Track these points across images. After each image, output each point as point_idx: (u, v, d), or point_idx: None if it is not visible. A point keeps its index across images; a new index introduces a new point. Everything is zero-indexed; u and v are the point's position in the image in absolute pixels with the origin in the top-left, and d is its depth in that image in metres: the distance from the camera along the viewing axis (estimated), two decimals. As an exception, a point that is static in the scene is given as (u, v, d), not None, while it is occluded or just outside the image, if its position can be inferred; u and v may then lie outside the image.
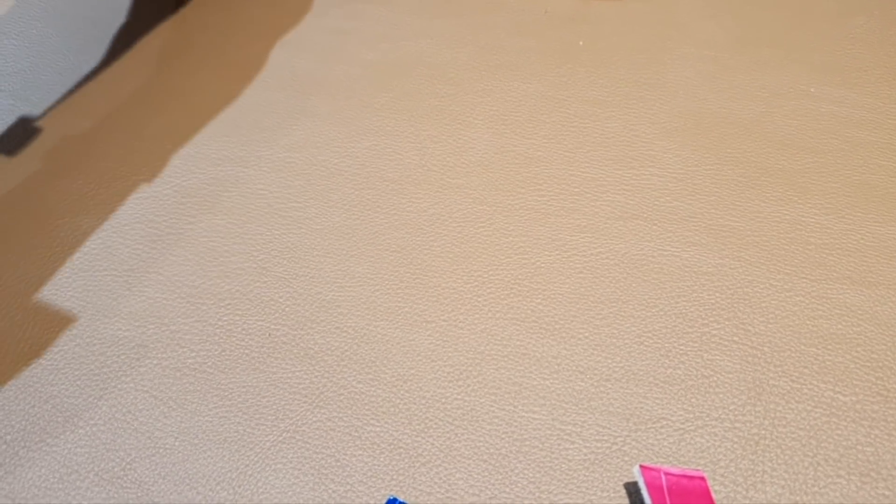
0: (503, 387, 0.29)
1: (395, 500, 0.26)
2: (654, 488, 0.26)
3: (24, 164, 0.35)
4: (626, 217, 0.35)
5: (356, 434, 0.28)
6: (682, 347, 0.30)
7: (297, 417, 0.29)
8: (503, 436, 0.28)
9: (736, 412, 0.28)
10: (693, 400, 0.29)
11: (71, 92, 0.38)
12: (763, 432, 0.28)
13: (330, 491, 0.27)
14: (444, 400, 0.29)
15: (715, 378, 0.29)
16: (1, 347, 0.31)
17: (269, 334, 0.31)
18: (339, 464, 0.27)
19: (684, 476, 0.26)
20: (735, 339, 0.30)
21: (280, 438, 0.28)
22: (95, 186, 0.36)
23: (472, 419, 0.28)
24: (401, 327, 0.31)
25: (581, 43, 0.42)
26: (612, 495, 0.26)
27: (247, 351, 0.30)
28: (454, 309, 0.32)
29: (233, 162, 0.37)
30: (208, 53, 0.42)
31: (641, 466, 0.26)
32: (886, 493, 0.27)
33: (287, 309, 0.32)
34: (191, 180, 0.36)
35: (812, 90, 0.40)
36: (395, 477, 0.27)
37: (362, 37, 0.43)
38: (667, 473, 0.26)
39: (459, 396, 0.29)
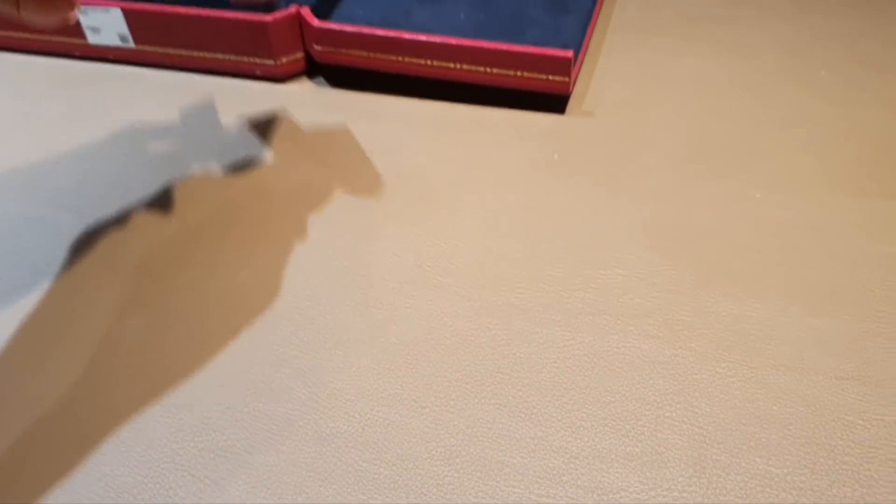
0: (488, 465, 0.34)
1: None
2: None
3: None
4: (594, 313, 0.40)
5: (363, 506, 0.33)
6: (639, 428, 0.35)
7: (312, 492, 0.34)
8: (487, 506, 0.33)
9: (684, 484, 0.33)
10: (648, 473, 0.34)
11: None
12: (706, 500, 0.33)
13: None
14: (437, 477, 0.34)
15: (667, 454, 0.34)
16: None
17: (289, 420, 0.36)
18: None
19: None
20: (685, 419, 0.36)
21: (298, 510, 0.33)
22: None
23: (461, 494, 0.34)
24: (399, 412, 0.36)
25: (556, 156, 0.49)
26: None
27: (269, 434, 0.36)
28: (446, 395, 0.37)
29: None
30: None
31: None
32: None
33: (303, 396, 0.37)
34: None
35: (758, 196, 0.46)
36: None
37: (367, 151, 0.50)
38: None
39: (451, 474, 0.34)
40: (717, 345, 0.38)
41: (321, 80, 0.57)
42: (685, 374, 0.37)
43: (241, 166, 0.50)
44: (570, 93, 0.52)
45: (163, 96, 0.56)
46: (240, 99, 0.56)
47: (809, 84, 0.53)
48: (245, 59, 0.56)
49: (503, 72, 0.50)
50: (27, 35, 0.60)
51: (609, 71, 0.55)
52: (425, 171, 0.48)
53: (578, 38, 0.53)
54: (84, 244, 0.45)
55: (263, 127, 0.53)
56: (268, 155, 0.50)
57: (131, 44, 0.58)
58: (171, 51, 0.57)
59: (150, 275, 0.43)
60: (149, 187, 0.48)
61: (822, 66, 0.55)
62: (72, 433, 0.36)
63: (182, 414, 0.36)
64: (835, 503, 0.32)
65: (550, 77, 0.50)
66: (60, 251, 0.44)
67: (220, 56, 0.57)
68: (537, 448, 0.35)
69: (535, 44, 0.50)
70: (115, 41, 0.58)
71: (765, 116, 0.51)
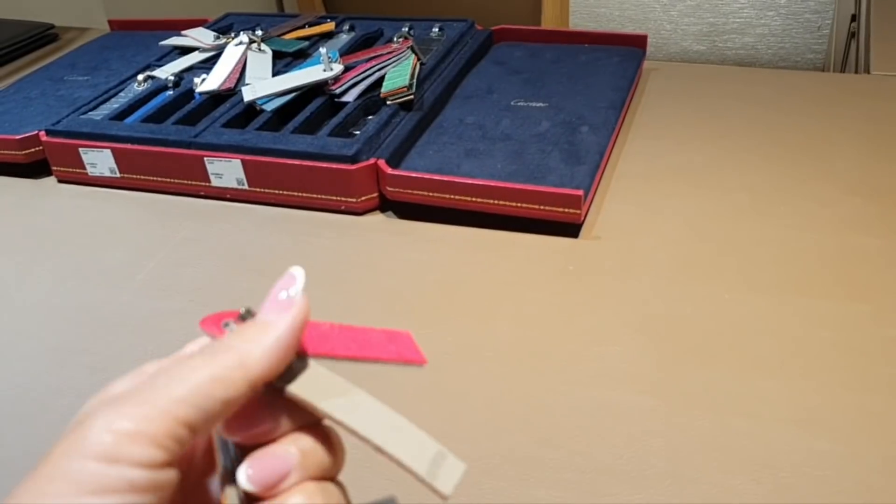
0: (520, 477, 0.47)
1: None
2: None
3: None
4: (598, 376, 0.53)
5: None
6: (630, 453, 0.48)
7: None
8: None
9: (662, 490, 0.46)
10: (636, 483, 0.46)
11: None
12: (680, 501, 0.45)
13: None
14: (479, 484, 0.47)
15: (649, 471, 0.46)
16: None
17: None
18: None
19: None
20: (663, 447, 0.48)
21: None
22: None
23: (499, 496, 0.46)
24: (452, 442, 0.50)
25: (571, 268, 0.63)
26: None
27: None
28: (485, 429, 0.50)
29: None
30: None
31: None
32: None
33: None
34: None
35: (727, 297, 0.60)
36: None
37: (425, 266, 0.65)
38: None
39: (491, 482, 0.47)
40: (691, 399, 0.51)
41: (391, 213, 0.74)
42: (666, 419, 0.50)
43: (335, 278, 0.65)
44: (582, 222, 0.67)
45: (269, 224, 0.73)
46: (328, 228, 0.72)
47: (771, 216, 0.68)
48: (333, 197, 0.73)
49: (530, 206, 0.66)
50: (166, 179, 0.78)
51: (613, 206, 0.71)
52: (469, 280, 0.63)
53: (588, 181, 0.69)
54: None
55: (346, 250, 0.69)
56: (350, 271, 0.66)
57: (245, 185, 0.76)
58: (277, 191, 0.75)
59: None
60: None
61: (780, 203, 0.70)
62: None
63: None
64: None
65: (566, 209, 0.65)
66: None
67: (313, 195, 0.74)
68: (554, 465, 0.47)
69: (554, 186, 0.66)
70: (233, 184, 0.76)
71: (735, 239, 0.66)
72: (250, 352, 0.28)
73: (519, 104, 0.82)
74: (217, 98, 0.83)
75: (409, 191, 0.68)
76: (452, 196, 0.68)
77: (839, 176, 0.73)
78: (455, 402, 0.52)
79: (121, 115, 0.83)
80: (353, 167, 0.70)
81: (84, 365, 0.59)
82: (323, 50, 0.82)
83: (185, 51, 0.97)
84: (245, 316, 0.31)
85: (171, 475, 0.26)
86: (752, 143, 0.80)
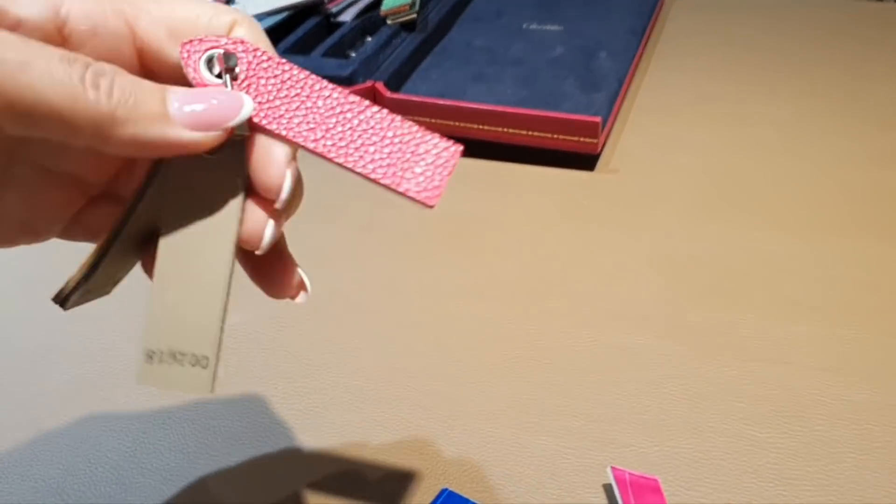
0: (524, 425, 0.43)
1: (447, 491, 0.39)
2: (621, 483, 0.38)
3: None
4: (615, 318, 0.49)
5: None
6: (647, 401, 0.43)
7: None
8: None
9: (681, 441, 0.41)
10: (653, 433, 0.42)
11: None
12: (700, 456, 0.41)
13: None
14: (482, 432, 0.43)
15: (668, 420, 0.42)
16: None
17: (362, 390, 0.45)
18: None
19: (642, 477, 0.39)
20: (683, 396, 0.44)
21: None
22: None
23: (502, 445, 0.42)
24: (456, 383, 0.45)
25: (585, 203, 0.58)
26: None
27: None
28: (493, 373, 0.46)
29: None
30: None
31: (612, 468, 0.39)
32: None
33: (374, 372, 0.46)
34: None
35: (755, 235, 0.55)
36: None
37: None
38: (630, 473, 0.39)
39: (493, 430, 0.43)
40: (714, 343, 0.47)
41: (390, 141, 0.68)
42: (686, 364, 0.46)
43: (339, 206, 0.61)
44: (599, 153, 0.62)
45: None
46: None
47: (800, 152, 0.63)
48: (328, 123, 0.68)
49: (542, 134, 0.61)
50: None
51: (632, 139, 0.66)
52: (475, 215, 0.58)
53: (606, 109, 0.64)
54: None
55: (341, 181, 0.63)
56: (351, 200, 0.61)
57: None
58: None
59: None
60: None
61: (810, 138, 0.65)
62: None
63: None
64: (803, 454, 0.40)
65: (582, 139, 0.60)
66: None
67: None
68: (562, 413, 0.43)
69: (569, 113, 0.61)
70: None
71: (762, 176, 0.60)
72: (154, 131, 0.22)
73: (531, 27, 0.76)
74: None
75: (410, 117, 0.63)
76: (457, 123, 0.63)
77: (873, 110, 0.68)
78: (459, 344, 0.48)
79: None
80: (349, 90, 0.64)
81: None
82: (320, -35, 0.76)
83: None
84: (230, 65, 0.24)
85: None
86: (780, 76, 0.74)
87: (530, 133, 0.61)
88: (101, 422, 0.44)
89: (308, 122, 0.24)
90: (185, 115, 0.22)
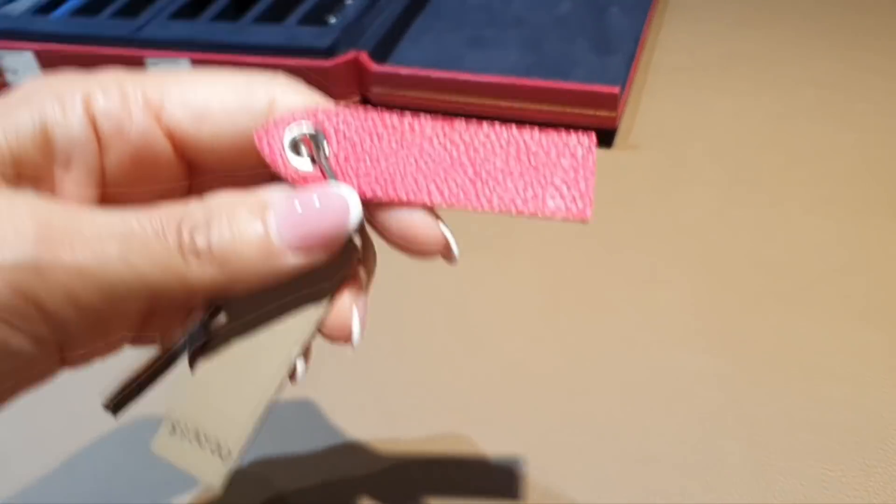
0: (555, 473, 0.36)
1: None
2: None
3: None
4: (648, 330, 0.42)
5: None
6: (696, 437, 0.37)
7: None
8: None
9: (743, 488, 0.35)
10: (707, 478, 0.35)
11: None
12: (766, 502, 0.34)
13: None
14: (513, 476, 0.36)
15: (725, 460, 0.36)
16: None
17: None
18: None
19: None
20: (741, 429, 0.37)
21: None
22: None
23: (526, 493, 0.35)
24: (470, 422, 0.38)
25: (605, 187, 0.51)
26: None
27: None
28: (514, 408, 0.39)
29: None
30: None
31: None
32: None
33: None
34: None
35: (800, 220, 0.48)
36: None
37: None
38: None
39: (525, 474, 0.36)
40: (769, 358, 0.40)
41: (378, 120, 0.60)
42: (740, 388, 0.39)
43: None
44: (617, 127, 0.54)
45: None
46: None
47: (847, 117, 0.55)
48: (307, 102, 0.60)
49: (552, 108, 0.53)
50: None
51: (653, 108, 0.58)
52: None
53: (623, 75, 0.56)
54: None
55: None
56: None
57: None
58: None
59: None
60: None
61: (859, 100, 0.57)
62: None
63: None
64: (890, 502, 0.33)
65: (597, 112, 0.52)
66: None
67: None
68: (599, 456, 0.36)
69: (582, 82, 0.53)
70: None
71: (804, 147, 0.53)
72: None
73: (532, -19, 0.67)
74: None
75: (401, 92, 0.55)
76: (454, 98, 0.55)
77: (928, 64, 0.60)
78: (463, 363, 0.41)
79: (46, 7, 0.68)
80: (330, 63, 0.56)
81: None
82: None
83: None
84: (317, 142, 0.22)
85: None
86: (819, 27, 0.65)
87: (539, 107, 0.53)
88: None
89: (423, 174, 0.21)
90: (291, 240, 0.20)
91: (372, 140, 0.22)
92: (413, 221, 0.22)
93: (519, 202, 0.22)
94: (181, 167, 0.23)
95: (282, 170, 0.21)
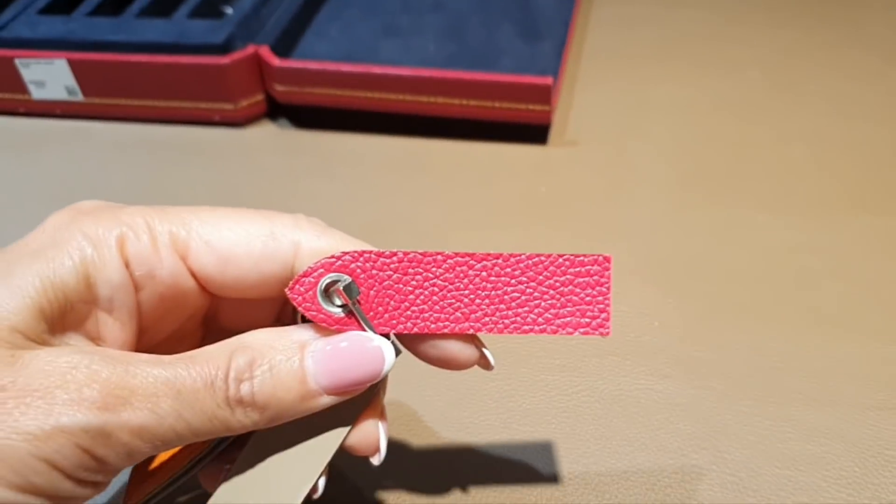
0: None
1: None
2: None
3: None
4: (600, 354, 0.37)
5: None
6: (664, 479, 0.32)
7: None
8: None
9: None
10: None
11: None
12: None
13: None
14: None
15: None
16: None
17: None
18: None
19: None
20: (714, 466, 0.32)
21: None
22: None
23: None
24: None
25: (543, 189, 0.46)
26: None
27: None
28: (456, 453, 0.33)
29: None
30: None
31: None
32: None
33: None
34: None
35: (760, 220, 0.43)
36: None
37: (341, 197, 0.46)
38: None
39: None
40: (736, 381, 0.35)
41: (285, 121, 0.54)
42: (707, 416, 0.34)
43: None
44: (551, 122, 0.49)
45: (115, 149, 0.53)
46: (198, 149, 0.52)
47: (799, 98, 0.51)
48: (201, 105, 0.53)
49: (480, 103, 0.48)
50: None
51: (589, 98, 0.53)
52: (400, 214, 0.45)
53: (555, 64, 0.50)
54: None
55: (226, 178, 0.49)
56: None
57: (79, 96, 0.54)
58: (123, 101, 0.54)
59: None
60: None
61: (809, 80, 0.53)
62: None
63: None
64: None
65: (530, 106, 0.47)
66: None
67: (174, 104, 0.53)
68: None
69: (511, 72, 0.47)
70: (61, 95, 0.54)
71: (757, 136, 0.49)
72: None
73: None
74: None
75: (308, 89, 0.49)
76: (368, 94, 0.49)
77: (875, 42, 0.56)
78: (398, 393, 0.35)
79: None
80: (226, 60, 0.50)
81: None
82: None
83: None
84: (349, 291, 0.22)
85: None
86: (757, 3, 0.62)
87: (464, 102, 0.48)
88: None
89: (450, 305, 0.23)
90: (327, 386, 0.22)
91: (398, 275, 0.23)
92: (449, 347, 0.23)
93: (542, 323, 0.23)
94: (204, 298, 0.24)
95: (317, 318, 0.22)
